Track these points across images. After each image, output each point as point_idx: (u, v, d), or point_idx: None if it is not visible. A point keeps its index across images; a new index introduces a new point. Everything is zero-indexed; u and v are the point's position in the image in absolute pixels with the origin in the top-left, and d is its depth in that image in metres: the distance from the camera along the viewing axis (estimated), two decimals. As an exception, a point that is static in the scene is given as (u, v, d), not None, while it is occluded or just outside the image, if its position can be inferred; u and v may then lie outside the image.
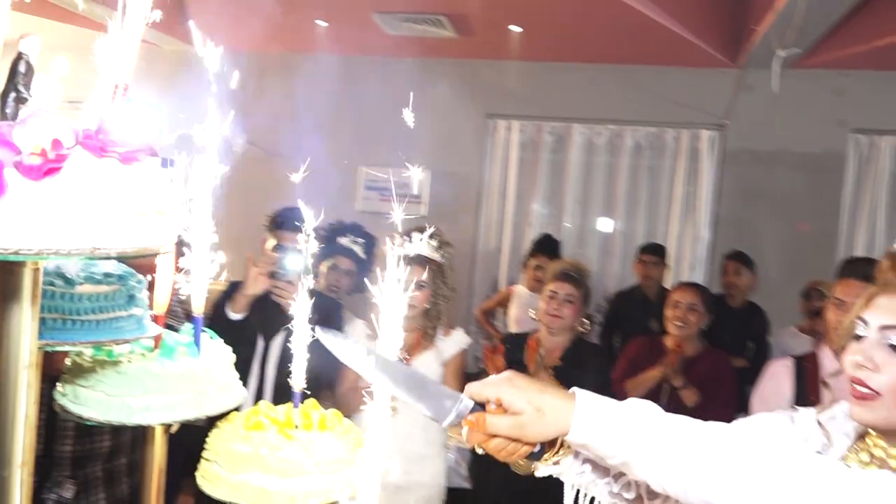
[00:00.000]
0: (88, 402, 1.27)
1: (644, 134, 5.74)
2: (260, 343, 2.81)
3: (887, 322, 1.16)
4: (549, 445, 1.09)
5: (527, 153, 5.89)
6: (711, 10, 4.96)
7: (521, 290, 4.84)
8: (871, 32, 4.64)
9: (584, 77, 5.65)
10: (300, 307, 1.43)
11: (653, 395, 3.16)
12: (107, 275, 1.12)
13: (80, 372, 1.32)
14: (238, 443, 1.37)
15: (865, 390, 1.16)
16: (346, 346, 1.13)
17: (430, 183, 5.61)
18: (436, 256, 2.89)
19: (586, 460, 1.14)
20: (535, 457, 1.09)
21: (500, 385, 1.06)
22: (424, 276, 2.73)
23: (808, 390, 2.45)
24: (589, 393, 1.06)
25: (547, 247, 4.71)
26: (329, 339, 1.11)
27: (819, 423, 1.29)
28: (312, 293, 1.45)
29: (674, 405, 3.13)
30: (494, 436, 1.05)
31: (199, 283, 1.38)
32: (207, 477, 1.38)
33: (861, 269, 2.40)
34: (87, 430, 2.28)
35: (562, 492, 1.18)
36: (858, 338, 1.20)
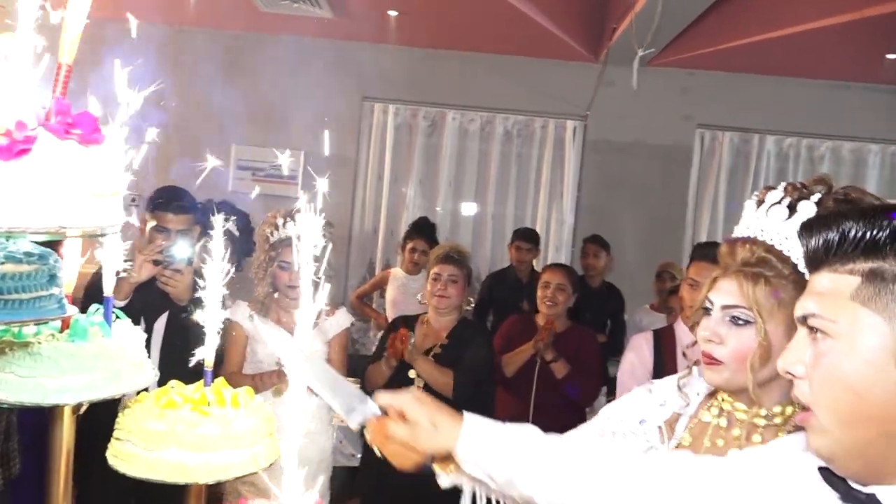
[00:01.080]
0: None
1: (514, 122, 6.00)
2: (141, 326, 2.75)
3: (727, 302, 1.34)
4: (441, 461, 1.24)
5: (402, 136, 6.00)
6: (577, 8, 5.26)
7: (397, 272, 4.94)
8: (716, 35, 5.11)
9: (458, 64, 5.82)
10: (213, 287, 1.45)
11: (527, 368, 3.38)
12: (27, 254, 1.11)
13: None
14: (152, 421, 1.38)
15: (713, 360, 1.36)
16: (278, 336, 1.26)
17: (303, 163, 5.59)
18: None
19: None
20: (426, 468, 1.23)
21: (406, 398, 1.22)
22: None
23: (665, 360, 2.74)
24: (477, 416, 1.23)
25: (423, 230, 4.84)
26: (265, 328, 1.20)
27: (679, 387, 1.50)
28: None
29: (545, 377, 3.38)
30: (392, 441, 1.21)
31: (108, 264, 1.38)
32: (120, 456, 1.39)
33: (710, 252, 2.69)
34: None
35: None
36: (707, 314, 1.39)
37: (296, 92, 5.48)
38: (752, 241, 1.33)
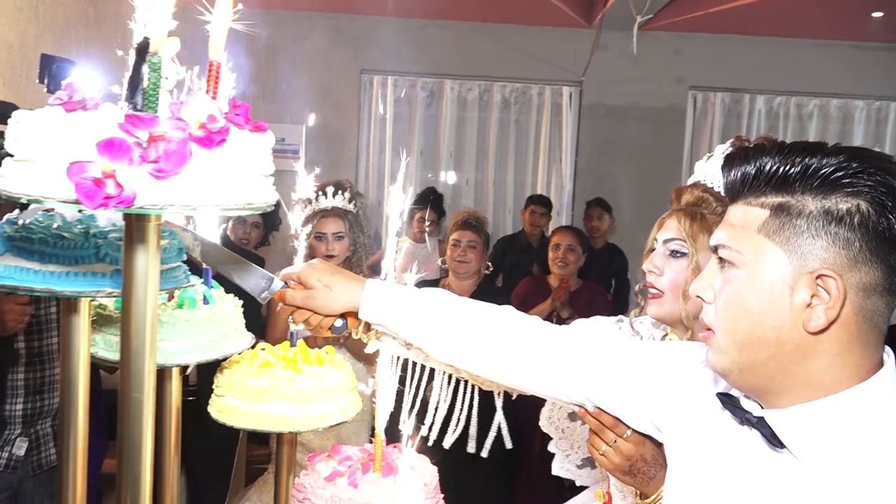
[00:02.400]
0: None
1: (511, 89, 6.12)
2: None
3: (666, 237, 1.48)
4: (354, 324, 1.33)
5: (401, 108, 6.09)
6: (571, -25, 5.36)
7: (405, 241, 5.09)
8: (705, -1, 5.25)
9: (454, 34, 5.90)
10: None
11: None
12: (162, 228, 1.25)
13: (107, 322, 1.43)
14: (253, 378, 1.54)
15: (654, 290, 1.49)
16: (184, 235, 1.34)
17: (304, 137, 5.69)
18: (349, 207, 3.07)
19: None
20: (337, 330, 1.33)
21: (303, 267, 1.31)
22: (343, 227, 2.91)
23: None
24: (379, 280, 1.31)
25: (430, 200, 4.98)
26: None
27: (632, 327, 1.63)
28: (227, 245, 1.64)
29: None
30: (298, 308, 1.30)
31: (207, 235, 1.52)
32: (225, 411, 1.54)
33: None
34: (38, 389, 2.30)
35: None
36: (653, 251, 1.52)
37: (295, 66, 5.55)
38: (694, 185, 1.49)
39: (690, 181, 1.51)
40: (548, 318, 3.56)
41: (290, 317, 1.33)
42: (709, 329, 0.93)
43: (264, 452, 3.76)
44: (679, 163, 6.21)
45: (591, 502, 1.58)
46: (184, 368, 1.54)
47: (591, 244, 5.04)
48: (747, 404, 0.92)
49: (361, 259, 3.06)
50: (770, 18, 5.42)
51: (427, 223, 4.86)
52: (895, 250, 0.82)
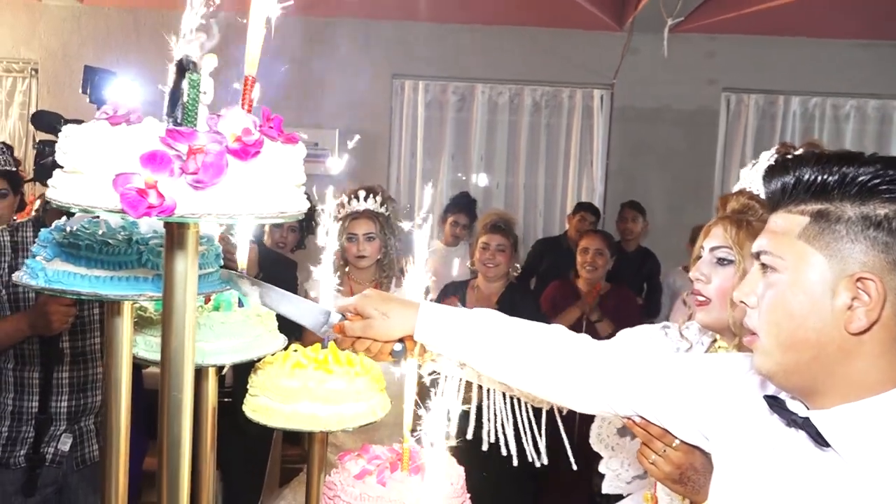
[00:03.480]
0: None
1: (541, 93, 6.13)
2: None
3: (713, 244, 1.50)
4: (412, 347, 1.37)
5: (432, 112, 6.14)
6: (602, -22, 5.36)
7: (437, 245, 5.13)
8: (737, 1, 5.20)
9: (484, 38, 5.93)
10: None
11: (573, 328, 3.58)
12: (200, 236, 1.31)
13: (147, 324, 1.49)
14: (286, 379, 1.59)
15: (701, 298, 1.51)
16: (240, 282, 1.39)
17: (337, 142, 5.76)
18: (381, 210, 3.12)
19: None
20: (397, 354, 1.37)
21: (357, 298, 1.35)
22: (374, 229, 2.96)
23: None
24: (432, 304, 1.34)
25: (463, 204, 5.02)
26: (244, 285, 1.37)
27: (681, 333, 1.64)
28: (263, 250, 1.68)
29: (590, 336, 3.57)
30: (359, 338, 1.34)
31: (243, 242, 1.58)
32: (259, 410, 1.60)
33: None
34: (82, 387, 2.39)
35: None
36: (700, 258, 1.54)
37: (327, 72, 5.63)
38: (740, 193, 1.51)
39: (736, 188, 1.53)
40: (577, 321, 3.58)
41: (352, 346, 1.38)
42: (753, 333, 0.97)
43: (297, 453, 3.83)
44: (712, 166, 6.16)
45: None
46: (220, 369, 1.60)
47: (624, 247, 5.04)
48: (793, 405, 0.95)
49: (393, 261, 3.11)
50: (804, 18, 5.36)
51: (459, 227, 4.91)
52: None
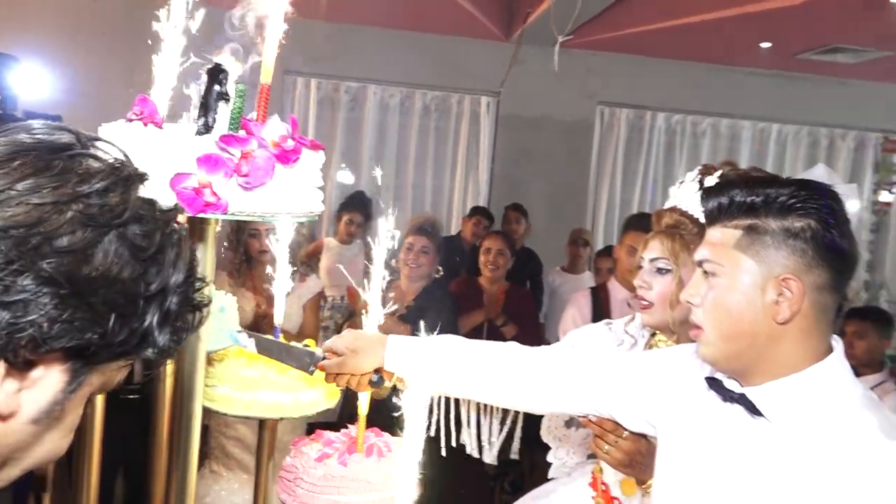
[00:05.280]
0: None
1: (432, 97, 6.33)
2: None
3: (653, 256, 1.74)
4: (390, 376, 1.52)
5: (324, 111, 6.17)
6: (493, -10, 5.62)
7: (331, 242, 5.18)
8: (618, 22, 5.63)
9: (379, 40, 6.04)
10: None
11: (476, 330, 3.77)
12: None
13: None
14: (246, 369, 1.66)
15: (645, 302, 1.75)
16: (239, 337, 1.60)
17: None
18: None
19: None
20: (375, 384, 1.54)
21: (332, 339, 1.54)
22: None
23: (602, 312, 3.21)
24: (399, 336, 1.52)
25: (359, 203, 5.10)
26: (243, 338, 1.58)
27: (625, 330, 1.90)
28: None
29: (492, 336, 3.78)
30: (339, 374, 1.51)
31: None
32: (217, 400, 1.66)
33: (643, 223, 3.17)
34: None
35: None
36: (641, 268, 1.78)
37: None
38: (672, 210, 1.75)
39: (667, 205, 1.75)
40: (481, 325, 3.78)
41: (335, 380, 1.53)
42: (698, 328, 1.16)
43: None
44: (587, 173, 6.60)
45: (584, 488, 1.80)
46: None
47: (508, 248, 5.32)
48: (729, 384, 1.16)
49: (296, 255, 3.15)
50: (674, 43, 5.89)
51: (354, 225, 4.99)
52: (838, 257, 1.09)
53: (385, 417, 1.52)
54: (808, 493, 1.05)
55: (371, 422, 1.66)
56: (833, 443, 1.06)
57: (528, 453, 4.10)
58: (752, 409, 1.12)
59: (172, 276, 0.68)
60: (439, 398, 1.65)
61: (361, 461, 1.62)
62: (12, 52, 2.69)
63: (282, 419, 1.78)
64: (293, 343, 1.64)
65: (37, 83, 2.44)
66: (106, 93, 4.90)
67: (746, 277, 1.10)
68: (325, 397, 1.74)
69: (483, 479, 3.64)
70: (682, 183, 1.74)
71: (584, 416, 1.49)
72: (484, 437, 1.69)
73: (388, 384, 1.53)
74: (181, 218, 1.28)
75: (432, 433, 1.67)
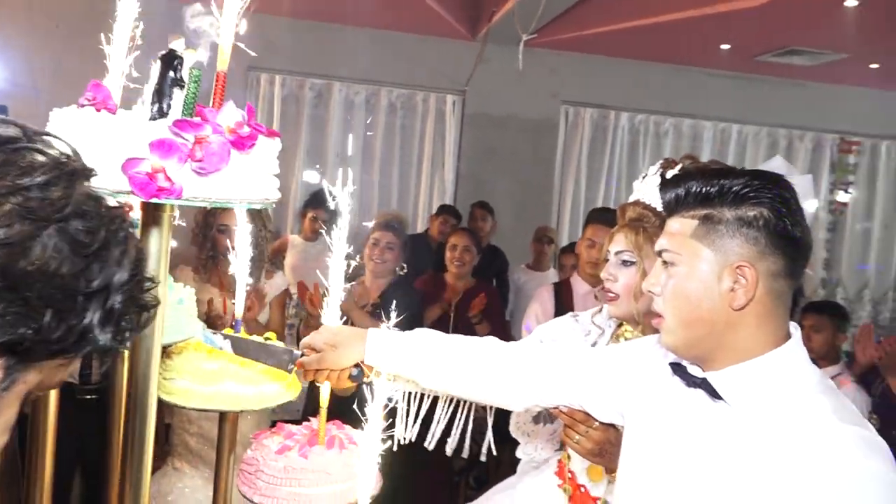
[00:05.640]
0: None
1: (397, 94, 6.32)
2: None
3: (618, 249, 1.78)
4: (370, 370, 1.53)
5: (289, 108, 6.13)
6: (458, -11, 5.64)
7: (296, 239, 5.16)
8: (581, 22, 5.69)
9: (344, 37, 6.02)
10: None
11: (441, 322, 3.79)
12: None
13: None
14: (207, 362, 1.64)
15: (611, 294, 1.79)
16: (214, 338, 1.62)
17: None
18: None
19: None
20: (355, 378, 1.54)
21: (310, 335, 1.54)
22: (245, 220, 2.97)
23: (565, 307, 3.24)
24: (378, 330, 1.53)
25: (323, 200, 5.07)
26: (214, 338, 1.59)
27: (592, 321, 1.94)
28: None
29: (460, 329, 3.79)
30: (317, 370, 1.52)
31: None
32: (176, 393, 1.64)
33: (604, 216, 3.22)
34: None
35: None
36: (607, 261, 1.82)
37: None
38: (635, 203, 1.79)
39: (631, 199, 1.79)
40: (444, 315, 3.79)
41: (315, 376, 1.54)
42: (659, 316, 1.19)
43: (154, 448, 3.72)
44: (552, 172, 6.66)
45: (550, 477, 1.82)
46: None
47: (474, 245, 5.34)
48: (692, 370, 1.19)
49: (263, 252, 3.14)
50: (636, 43, 5.97)
51: (319, 222, 4.96)
52: (791, 244, 1.12)
53: (348, 411, 1.54)
54: (766, 474, 1.08)
55: (334, 415, 1.66)
56: (789, 425, 1.09)
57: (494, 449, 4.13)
58: (713, 393, 1.15)
59: (116, 273, 0.66)
60: (411, 394, 1.64)
61: (322, 453, 1.61)
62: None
63: (242, 412, 1.77)
64: (270, 342, 1.64)
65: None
66: (59, 84, 4.84)
67: (703, 266, 1.13)
68: (286, 389, 1.73)
69: (448, 474, 3.66)
70: (644, 177, 1.77)
71: (555, 408, 1.51)
72: (453, 432, 1.68)
73: (367, 379, 1.52)
74: (134, 212, 1.27)
75: (402, 431, 1.65)
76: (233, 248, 2.93)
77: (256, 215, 3.12)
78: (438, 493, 3.49)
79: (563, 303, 3.29)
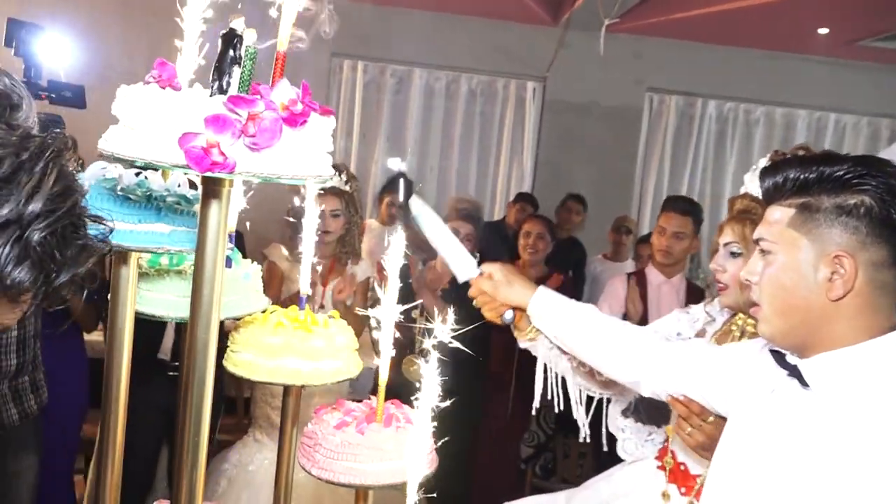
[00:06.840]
0: (156, 303, 1.54)
1: (477, 81, 6.31)
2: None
3: (727, 240, 1.81)
4: (519, 319, 1.73)
5: (370, 94, 6.21)
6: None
7: (373, 224, 5.23)
8: (667, 6, 5.52)
9: (425, 23, 6.04)
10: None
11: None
12: (184, 198, 1.40)
13: (143, 279, 1.57)
14: (270, 336, 1.69)
15: (721, 284, 1.82)
16: (420, 207, 1.75)
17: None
18: (345, 188, 3.21)
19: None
20: (506, 320, 1.73)
21: (495, 264, 1.74)
22: (339, 206, 3.05)
23: (640, 297, 3.18)
24: (548, 289, 1.70)
25: (399, 186, 5.13)
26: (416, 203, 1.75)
27: (705, 309, 1.99)
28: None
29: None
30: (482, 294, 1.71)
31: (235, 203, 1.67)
32: (241, 365, 1.70)
33: (676, 205, 3.13)
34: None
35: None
36: (717, 252, 1.84)
37: (266, 48, 5.60)
38: (743, 196, 1.83)
39: (741, 191, 1.84)
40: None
41: (475, 299, 1.72)
42: (756, 305, 1.18)
43: (232, 422, 3.89)
44: (634, 161, 6.50)
45: (649, 462, 1.88)
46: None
47: (556, 233, 5.28)
48: (791, 359, 1.17)
49: (354, 238, 3.20)
50: (726, 28, 5.74)
51: (396, 207, 5.02)
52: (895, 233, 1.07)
53: (407, 394, 1.61)
54: (849, 465, 1.05)
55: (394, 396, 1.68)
56: (876, 418, 1.05)
57: (563, 439, 4.09)
58: (803, 381, 1.13)
59: (29, 205, 0.61)
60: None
61: (379, 430, 1.64)
62: (37, 21, 2.73)
63: (304, 387, 1.82)
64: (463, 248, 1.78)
65: (61, 52, 2.51)
66: (130, 62, 5.06)
67: (800, 255, 1.12)
68: (345, 368, 1.77)
69: (515, 461, 3.65)
70: (754, 169, 1.78)
71: (672, 397, 1.57)
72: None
73: (513, 328, 1.74)
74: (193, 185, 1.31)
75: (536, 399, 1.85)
76: (326, 231, 3.03)
77: (350, 201, 3.19)
78: (505, 481, 3.49)
79: (638, 293, 3.21)
